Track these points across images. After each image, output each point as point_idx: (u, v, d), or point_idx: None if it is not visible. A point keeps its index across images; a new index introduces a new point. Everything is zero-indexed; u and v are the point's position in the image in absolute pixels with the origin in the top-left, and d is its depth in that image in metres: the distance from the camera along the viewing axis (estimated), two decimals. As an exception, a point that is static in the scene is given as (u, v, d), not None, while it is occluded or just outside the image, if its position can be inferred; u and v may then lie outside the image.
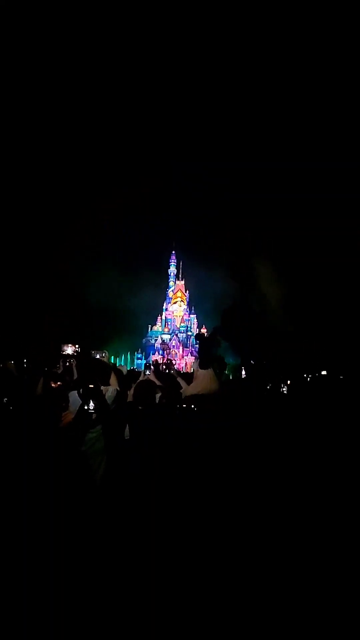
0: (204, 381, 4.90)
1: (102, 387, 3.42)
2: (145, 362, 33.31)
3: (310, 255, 24.24)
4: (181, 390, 5.12)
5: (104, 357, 4.23)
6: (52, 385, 4.57)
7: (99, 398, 3.02)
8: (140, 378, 4.88)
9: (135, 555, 2.90)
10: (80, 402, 3.28)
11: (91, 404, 2.99)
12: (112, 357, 26.28)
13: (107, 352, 4.60)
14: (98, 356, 4.23)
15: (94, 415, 3.07)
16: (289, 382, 6.31)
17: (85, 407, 2.97)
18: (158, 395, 4.29)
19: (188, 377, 5.87)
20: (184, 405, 4.22)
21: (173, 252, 42.14)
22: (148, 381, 4.30)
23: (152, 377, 4.77)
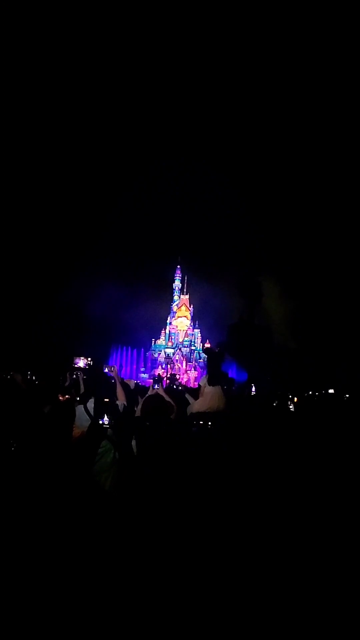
0: (213, 399, 4.86)
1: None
2: (152, 376, 33.22)
3: (318, 271, 24.19)
4: (188, 407, 5.08)
5: (112, 371, 4.24)
6: (61, 398, 4.55)
7: (114, 413, 3.01)
8: (149, 393, 4.86)
9: (140, 565, 2.88)
10: (86, 416, 3.26)
11: (105, 418, 2.98)
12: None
13: (115, 366, 4.60)
14: (106, 370, 4.23)
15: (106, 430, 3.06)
16: (295, 399, 6.29)
17: (100, 422, 2.96)
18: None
19: (194, 392, 5.83)
20: (201, 422, 4.21)
21: (178, 266, 42.31)
22: (156, 396, 4.28)
23: (161, 392, 4.74)
